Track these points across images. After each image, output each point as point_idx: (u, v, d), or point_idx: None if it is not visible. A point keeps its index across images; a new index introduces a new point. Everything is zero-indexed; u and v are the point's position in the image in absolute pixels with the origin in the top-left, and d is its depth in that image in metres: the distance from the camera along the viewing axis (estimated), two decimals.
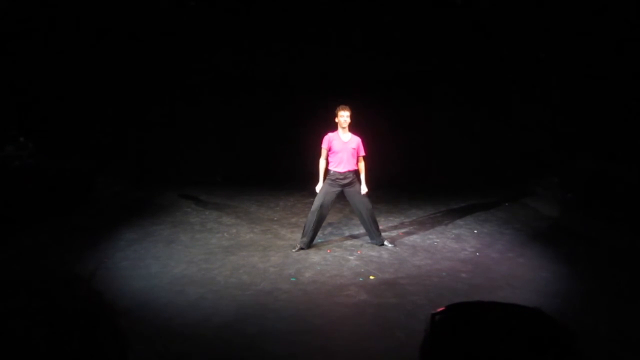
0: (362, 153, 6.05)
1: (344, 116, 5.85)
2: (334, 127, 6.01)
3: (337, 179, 5.89)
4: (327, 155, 5.94)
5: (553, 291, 4.77)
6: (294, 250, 5.92)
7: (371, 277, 5.17)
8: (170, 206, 8.16)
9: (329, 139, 5.92)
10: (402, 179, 10.00)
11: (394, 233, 6.76)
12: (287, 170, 10.06)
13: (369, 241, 6.22)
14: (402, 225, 7.18)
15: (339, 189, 5.93)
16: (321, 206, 5.88)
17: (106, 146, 9.20)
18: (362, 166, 6.10)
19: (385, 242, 6.16)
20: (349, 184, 5.93)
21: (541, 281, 5.06)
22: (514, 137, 9.84)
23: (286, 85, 10.51)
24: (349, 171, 5.91)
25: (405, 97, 10.57)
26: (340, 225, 7.12)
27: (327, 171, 5.96)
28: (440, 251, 6.02)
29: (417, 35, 9.13)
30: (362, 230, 6.88)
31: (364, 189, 6.05)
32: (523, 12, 7.99)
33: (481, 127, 10.35)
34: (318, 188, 5.97)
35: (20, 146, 7.48)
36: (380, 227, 7.01)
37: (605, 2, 7.05)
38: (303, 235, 6.00)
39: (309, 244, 5.99)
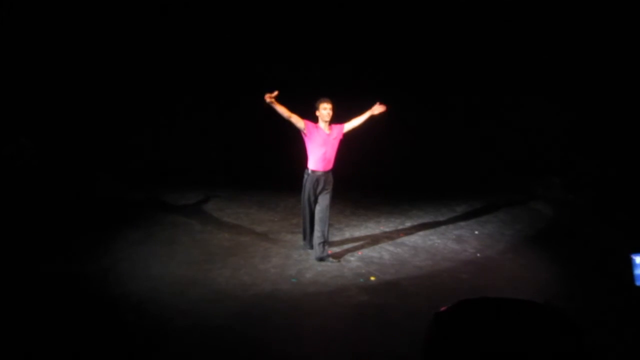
0: (344, 131, 5.58)
1: (327, 109, 5.35)
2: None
3: (318, 179, 5.47)
4: (299, 121, 5.32)
5: (554, 292, 4.77)
6: (330, 254, 5.69)
7: (372, 278, 5.17)
8: (171, 207, 8.15)
9: (310, 125, 5.38)
10: (403, 180, 9.99)
11: (394, 234, 6.75)
12: (288, 171, 10.04)
13: (303, 242, 5.97)
14: (403, 226, 7.17)
15: (316, 191, 5.52)
16: (310, 212, 5.65)
17: (107, 146, 9.22)
18: (356, 120, 5.64)
19: (310, 250, 5.84)
20: (325, 187, 5.54)
21: (542, 282, 5.05)
22: (514, 138, 9.83)
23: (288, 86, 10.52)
24: (330, 170, 5.56)
25: (404, 98, 10.56)
26: (341, 226, 7.11)
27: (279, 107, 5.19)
28: (441, 252, 6.01)
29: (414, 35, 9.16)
30: (363, 231, 6.88)
31: (380, 108, 5.66)
32: (527, 12, 8.01)
33: (481, 128, 10.34)
34: (268, 96, 5.01)
35: (22, 146, 7.48)
36: (382, 228, 7.05)
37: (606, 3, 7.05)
38: (324, 238, 5.64)
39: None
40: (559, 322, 0.74)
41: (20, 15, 7.42)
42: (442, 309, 0.78)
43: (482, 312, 0.76)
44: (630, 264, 1.82)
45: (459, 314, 0.76)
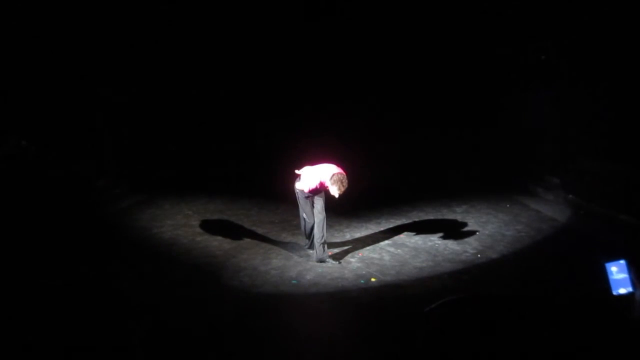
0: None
1: (337, 193, 5.36)
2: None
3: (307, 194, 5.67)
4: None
5: (555, 292, 4.76)
6: (330, 255, 5.74)
7: (372, 280, 5.17)
8: (171, 209, 8.16)
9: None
10: (403, 181, 9.99)
11: (395, 235, 6.75)
12: (289, 172, 10.05)
13: (305, 244, 6.06)
14: (403, 227, 7.16)
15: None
16: (307, 214, 5.75)
17: (106, 148, 9.21)
18: None
19: (310, 251, 5.89)
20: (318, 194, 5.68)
21: (543, 282, 5.05)
22: (514, 138, 9.83)
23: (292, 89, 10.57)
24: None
25: (403, 99, 10.59)
26: (341, 227, 7.11)
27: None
28: (441, 253, 6.01)
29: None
30: (363, 232, 6.88)
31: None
32: (525, 13, 8.02)
33: (481, 128, 10.35)
34: None
35: (22, 149, 7.48)
36: (381, 229, 7.04)
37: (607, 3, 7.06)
38: (323, 239, 5.73)
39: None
40: (552, 313, 0.75)
41: (31, 15, 7.43)
42: (430, 307, 0.78)
43: (467, 308, 0.76)
44: (605, 273, 1.85)
45: (446, 311, 0.77)
